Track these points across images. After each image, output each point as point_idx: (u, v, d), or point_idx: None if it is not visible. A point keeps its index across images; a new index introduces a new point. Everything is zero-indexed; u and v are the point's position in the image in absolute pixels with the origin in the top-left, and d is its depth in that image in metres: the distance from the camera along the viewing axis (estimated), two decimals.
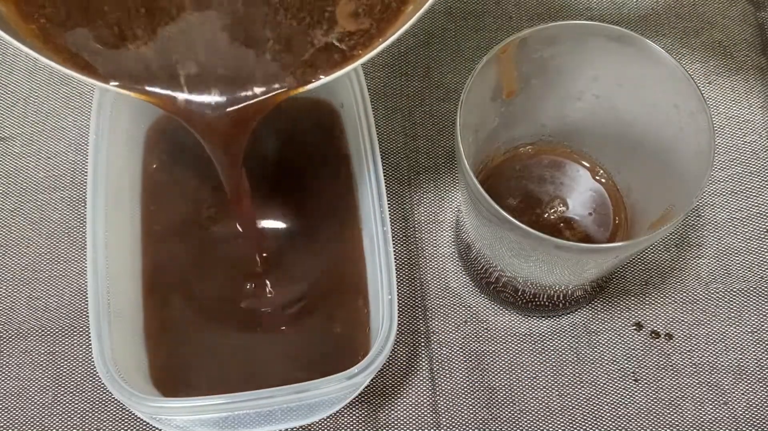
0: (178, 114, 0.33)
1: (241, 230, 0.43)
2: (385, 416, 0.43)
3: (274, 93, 0.33)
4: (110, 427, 0.43)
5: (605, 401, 0.43)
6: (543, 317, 0.45)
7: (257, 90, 0.33)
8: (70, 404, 0.43)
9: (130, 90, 0.32)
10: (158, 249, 0.44)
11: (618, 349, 0.44)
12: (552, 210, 0.43)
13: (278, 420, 0.39)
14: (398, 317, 0.38)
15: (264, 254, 0.44)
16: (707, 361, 0.44)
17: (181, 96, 0.33)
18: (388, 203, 0.40)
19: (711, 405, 0.43)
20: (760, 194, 0.48)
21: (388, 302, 0.38)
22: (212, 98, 0.33)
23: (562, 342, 0.45)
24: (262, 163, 0.46)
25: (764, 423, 0.43)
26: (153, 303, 0.42)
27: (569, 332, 0.45)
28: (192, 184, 0.46)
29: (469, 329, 0.45)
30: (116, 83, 0.32)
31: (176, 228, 0.44)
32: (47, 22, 0.32)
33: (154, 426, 0.39)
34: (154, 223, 0.44)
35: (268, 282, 0.43)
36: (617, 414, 0.43)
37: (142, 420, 0.41)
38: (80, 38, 0.32)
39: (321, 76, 0.33)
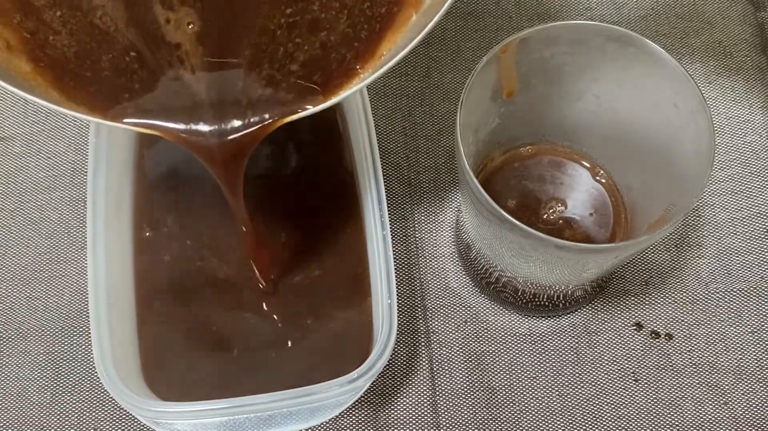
0: (180, 143, 0.33)
1: (239, 228, 0.43)
2: (385, 416, 0.43)
3: (272, 120, 0.33)
4: (108, 427, 0.43)
5: (605, 401, 0.43)
6: (543, 317, 0.45)
7: (258, 118, 0.33)
8: (69, 404, 0.43)
9: (132, 126, 0.33)
10: (154, 249, 0.44)
11: (618, 349, 0.44)
12: (552, 210, 0.43)
13: (279, 424, 0.39)
14: (398, 317, 0.38)
15: (263, 255, 0.44)
16: (707, 361, 0.44)
17: (182, 127, 0.33)
18: (388, 204, 0.40)
19: (711, 405, 0.43)
20: (760, 194, 0.48)
21: (387, 305, 0.38)
22: (213, 127, 0.33)
23: (562, 342, 0.44)
24: (261, 165, 0.46)
25: (764, 423, 0.43)
26: (148, 304, 0.42)
27: (569, 332, 0.45)
28: (190, 184, 0.46)
29: (469, 329, 0.45)
30: (114, 119, 0.32)
31: (173, 228, 0.44)
32: (55, 63, 0.33)
33: (152, 427, 0.39)
34: (151, 222, 0.44)
35: (267, 284, 0.43)
36: (617, 414, 0.43)
37: (139, 420, 0.41)
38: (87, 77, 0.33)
39: (325, 100, 0.33)
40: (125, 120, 0.32)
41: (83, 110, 0.32)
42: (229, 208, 0.40)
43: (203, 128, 0.33)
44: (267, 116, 0.33)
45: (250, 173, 0.45)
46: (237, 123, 0.33)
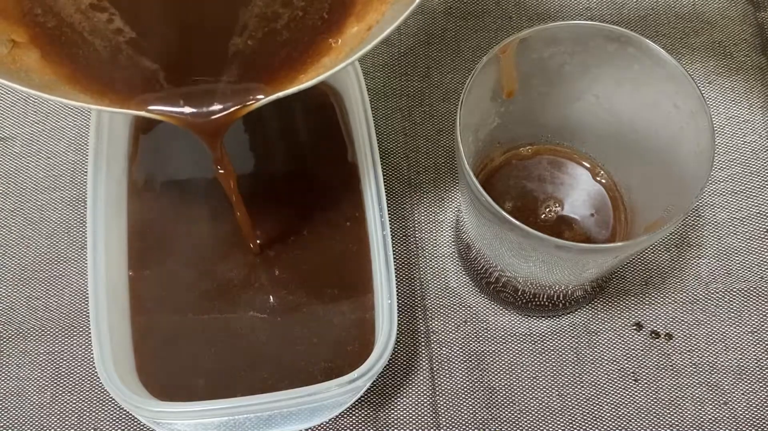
0: (174, 122, 0.34)
1: (239, 224, 0.43)
2: (385, 416, 0.43)
3: (255, 100, 0.34)
4: (108, 427, 0.43)
5: (605, 401, 0.43)
6: (543, 317, 0.45)
7: (243, 98, 0.34)
8: (69, 403, 0.43)
9: (130, 110, 0.34)
10: (153, 248, 0.44)
11: (618, 349, 0.44)
12: (551, 210, 0.43)
13: (279, 424, 0.39)
14: (398, 317, 0.38)
15: (262, 255, 0.44)
16: (707, 361, 0.44)
17: (176, 109, 0.34)
18: (388, 204, 0.40)
19: (711, 405, 0.43)
20: (760, 194, 0.48)
21: (387, 306, 0.38)
22: (203, 109, 0.34)
23: (562, 342, 0.44)
24: (261, 166, 0.46)
25: (764, 423, 0.43)
26: (147, 304, 0.42)
27: (569, 332, 0.45)
28: (189, 184, 0.46)
29: (469, 329, 0.45)
30: (115, 105, 0.34)
31: (172, 228, 0.44)
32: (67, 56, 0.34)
33: (152, 427, 0.39)
34: (150, 222, 0.44)
35: (268, 285, 0.43)
36: (617, 414, 0.43)
37: (139, 420, 0.41)
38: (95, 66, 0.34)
39: (309, 78, 0.34)
40: (140, 108, 0.34)
41: (87, 99, 0.33)
42: (227, 207, 0.40)
43: (197, 110, 0.34)
44: (250, 96, 0.34)
45: (251, 174, 0.46)
46: (219, 106, 0.34)
